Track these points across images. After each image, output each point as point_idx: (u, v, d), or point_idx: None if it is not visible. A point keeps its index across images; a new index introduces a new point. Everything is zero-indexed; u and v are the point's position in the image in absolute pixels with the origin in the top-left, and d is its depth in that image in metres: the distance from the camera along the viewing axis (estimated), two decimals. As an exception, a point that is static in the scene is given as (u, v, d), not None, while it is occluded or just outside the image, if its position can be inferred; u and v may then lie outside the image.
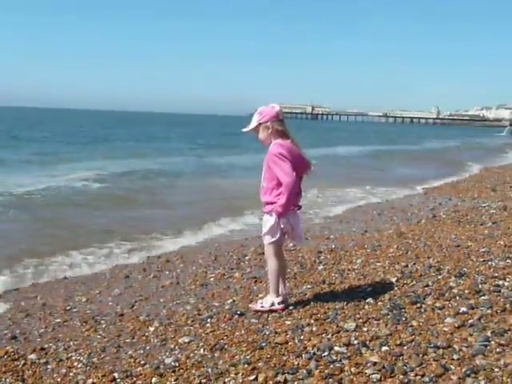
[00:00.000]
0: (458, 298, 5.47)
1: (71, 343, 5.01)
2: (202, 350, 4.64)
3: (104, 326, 5.47)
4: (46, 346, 4.96)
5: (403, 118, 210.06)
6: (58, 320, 5.72)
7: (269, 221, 5.39)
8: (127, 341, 5.01)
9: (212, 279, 7.01)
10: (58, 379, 4.27)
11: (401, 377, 3.81)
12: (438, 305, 5.27)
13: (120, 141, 42.15)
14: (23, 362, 4.60)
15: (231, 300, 6.03)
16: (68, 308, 6.13)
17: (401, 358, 4.11)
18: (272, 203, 5.33)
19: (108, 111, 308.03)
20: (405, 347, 4.31)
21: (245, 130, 5.56)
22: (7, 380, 4.28)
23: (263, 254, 7.95)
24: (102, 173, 20.25)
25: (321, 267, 7.20)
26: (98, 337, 5.15)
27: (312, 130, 79.87)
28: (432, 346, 4.28)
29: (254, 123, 5.44)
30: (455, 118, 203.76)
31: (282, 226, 5.35)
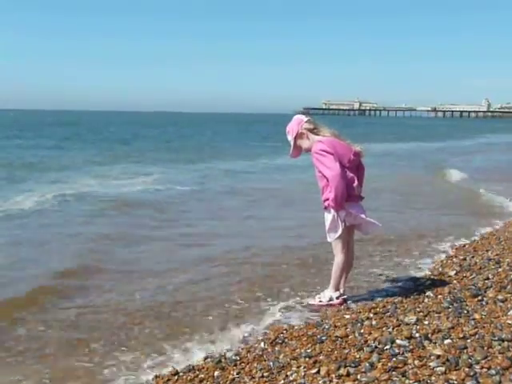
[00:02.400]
0: (520, 290, 5.35)
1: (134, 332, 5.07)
2: (262, 343, 4.65)
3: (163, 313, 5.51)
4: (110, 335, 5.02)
5: (452, 111, 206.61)
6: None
7: (328, 217, 5.42)
8: (186, 330, 5.06)
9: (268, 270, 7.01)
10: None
11: (466, 369, 3.73)
12: (500, 297, 5.16)
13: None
14: (87, 349, 4.68)
15: (288, 289, 6.05)
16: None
17: (465, 350, 4.02)
18: (327, 199, 5.36)
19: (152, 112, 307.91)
20: (468, 340, 4.22)
21: (291, 156, 5.66)
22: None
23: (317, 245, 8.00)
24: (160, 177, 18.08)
25: (377, 260, 7.16)
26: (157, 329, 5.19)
27: (362, 126, 78.95)
28: (496, 338, 4.18)
29: (291, 142, 5.55)
30: (506, 110, 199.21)
31: (341, 219, 5.33)
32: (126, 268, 7.12)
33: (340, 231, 5.37)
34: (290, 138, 5.53)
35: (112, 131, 55.06)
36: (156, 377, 4.22)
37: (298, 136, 5.48)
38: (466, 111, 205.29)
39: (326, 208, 5.40)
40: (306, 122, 5.50)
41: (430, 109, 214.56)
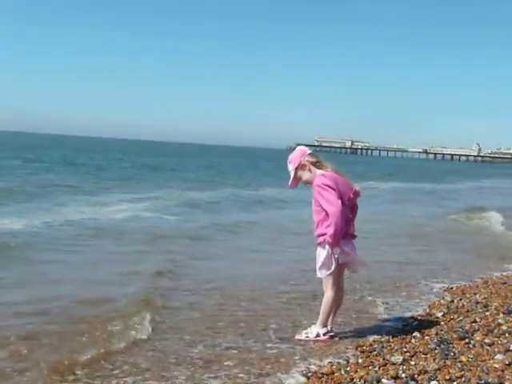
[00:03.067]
0: (507, 334, 5.37)
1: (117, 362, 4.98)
2: (248, 375, 4.61)
3: (147, 346, 5.42)
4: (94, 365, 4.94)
5: (443, 154, 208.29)
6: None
7: (321, 253, 5.39)
8: (172, 361, 4.99)
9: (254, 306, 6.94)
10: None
11: (452, 412, 3.73)
12: (487, 341, 5.17)
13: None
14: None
15: (275, 325, 5.98)
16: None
17: (451, 393, 4.03)
18: (323, 234, 5.33)
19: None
20: (454, 383, 4.23)
21: (289, 186, 5.65)
22: None
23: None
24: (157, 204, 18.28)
25: (365, 297, 7.17)
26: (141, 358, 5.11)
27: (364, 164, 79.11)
28: (483, 382, 4.19)
29: (292, 173, 5.57)
30: (496, 156, 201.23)
31: (335, 256, 5.33)
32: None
33: (333, 268, 5.36)
34: (291, 168, 5.53)
35: (114, 158, 55.39)
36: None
37: (300, 167, 5.49)
38: (457, 154, 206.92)
39: (320, 243, 5.39)
40: (309, 154, 5.53)
41: (421, 150, 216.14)
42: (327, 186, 5.28)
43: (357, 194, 5.49)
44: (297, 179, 5.57)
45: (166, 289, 7.49)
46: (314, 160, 5.50)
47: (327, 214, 5.28)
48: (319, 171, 5.44)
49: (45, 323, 5.95)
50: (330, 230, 5.24)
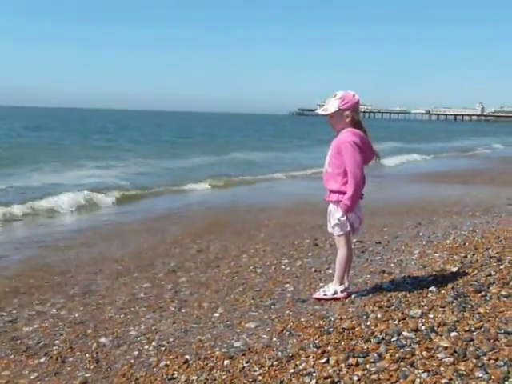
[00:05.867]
0: (523, 286, 5.41)
1: (141, 327, 5.09)
2: (269, 334, 4.69)
3: (169, 312, 5.53)
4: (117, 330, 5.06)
5: (446, 115, 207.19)
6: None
7: (336, 213, 5.33)
8: (194, 326, 5.08)
9: (272, 269, 7.03)
10: (131, 361, 4.37)
11: (474, 360, 3.79)
12: (503, 293, 5.20)
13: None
14: (95, 344, 4.72)
15: (292, 288, 6.07)
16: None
17: (471, 342, 4.08)
18: (339, 192, 5.25)
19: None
20: (474, 333, 4.28)
21: (322, 112, 5.32)
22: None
23: (316, 245, 8.04)
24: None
25: (378, 258, 7.20)
26: (164, 322, 5.22)
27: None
28: (502, 331, 4.24)
29: (333, 108, 5.21)
30: (500, 114, 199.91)
31: (350, 221, 5.34)
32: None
33: (347, 229, 5.37)
34: (337, 105, 5.18)
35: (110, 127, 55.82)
36: (166, 365, 4.25)
37: (343, 112, 5.19)
38: (461, 114, 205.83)
39: (335, 202, 5.32)
40: (357, 110, 5.29)
41: (424, 111, 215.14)
42: (357, 145, 5.15)
43: (375, 157, 5.47)
44: (333, 119, 5.26)
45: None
46: (357, 118, 5.25)
47: (346, 171, 5.18)
48: (350, 128, 5.23)
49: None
50: (349, 193, 5.16)
